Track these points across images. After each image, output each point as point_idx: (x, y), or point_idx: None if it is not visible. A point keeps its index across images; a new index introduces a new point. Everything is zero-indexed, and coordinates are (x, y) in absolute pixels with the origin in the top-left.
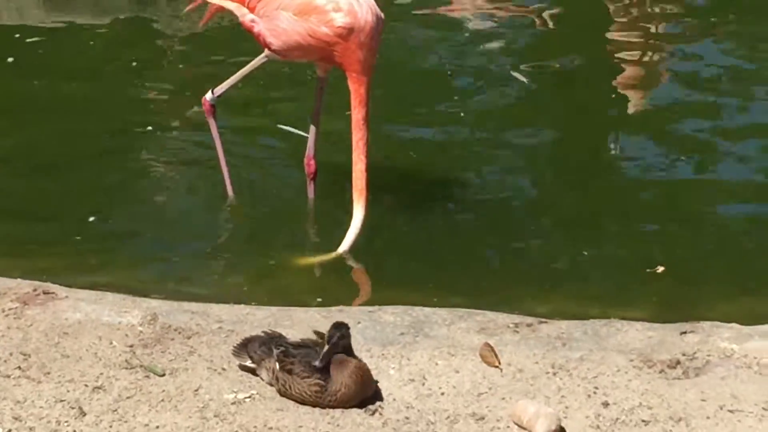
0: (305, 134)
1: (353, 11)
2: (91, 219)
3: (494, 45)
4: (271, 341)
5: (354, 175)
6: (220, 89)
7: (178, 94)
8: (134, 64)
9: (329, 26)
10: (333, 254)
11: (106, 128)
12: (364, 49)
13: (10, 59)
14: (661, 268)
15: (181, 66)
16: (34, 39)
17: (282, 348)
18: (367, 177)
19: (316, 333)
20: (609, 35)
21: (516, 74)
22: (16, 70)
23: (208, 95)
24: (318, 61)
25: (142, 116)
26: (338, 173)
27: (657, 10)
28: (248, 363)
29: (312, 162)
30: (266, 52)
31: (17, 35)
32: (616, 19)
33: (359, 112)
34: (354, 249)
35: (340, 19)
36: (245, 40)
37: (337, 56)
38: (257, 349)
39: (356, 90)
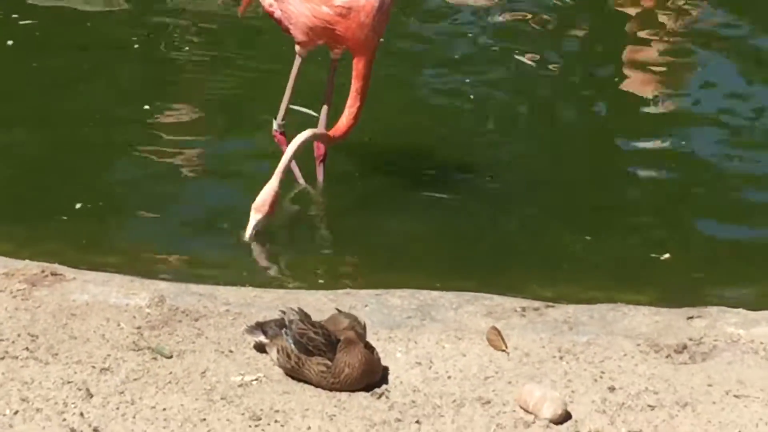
0: (316, 114)
1: None
2: (100, 203)
3: (502, 32)
4: (287, 320)
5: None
6: (280, 115)
7: (179, 75)
8: (136, 46)
9: (329, 5)
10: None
11: (110, 111)
12: (365, 28)
13: (9, 42)
14: (666, 255)
15: (186, 48)
16: (28, 21)
17: (301, 325)
18: (341, 132)
19: (338, 311)
20: (625, 31)
21: (521, 58)
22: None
23: (275, 125)
24: (328, 43)
25: (144, 96)
26: (348, 156)
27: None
28: (262, 338)
29: (321, 144)
30: (297, 50)
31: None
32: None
33: (354, 85)
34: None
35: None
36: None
37: (339, 36)
38: (273, 326)
39: (356, 65)
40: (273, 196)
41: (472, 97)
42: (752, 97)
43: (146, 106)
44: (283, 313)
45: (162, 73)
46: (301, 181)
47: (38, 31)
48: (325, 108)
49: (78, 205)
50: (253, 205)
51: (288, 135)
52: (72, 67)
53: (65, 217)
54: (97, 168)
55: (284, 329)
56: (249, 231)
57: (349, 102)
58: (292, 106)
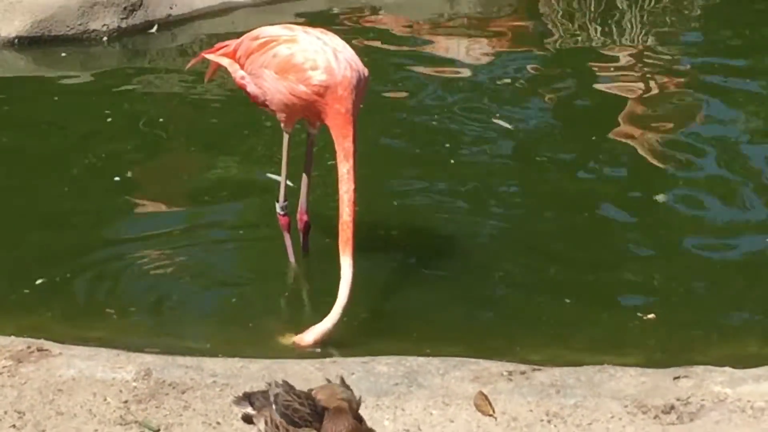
0: (292, 185)
1: (330, 68)
2: (85, 275)
3: (481, 91)
4: (272, 394)
5: (340, 228)
6: (281, 196)
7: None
8: (109, 120)
9: (307, 84)
10: (331, 318)
11: (87, 182)
12: (344, 105)
13: None
14: (651, 315)
15: (160, 120)
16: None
17: (286, 397)
18: (353, 229)
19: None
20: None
21: (499, 121)
22: None
23: (278, 208)
24: (305, 119)
25: (122, 168)
26: (330, 227)
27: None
28: (249, 410)
29: (305, 217)
30: (282, 127)
31: None
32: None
33: (344, 166)
34: (349, 303)
35: (317, 77)
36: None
37: (318, 114)
38: (260, 397)
39: (340, 144)
40: (325, 335)
41: (452, 161)
42: (743, 157)
43: (116, 178)
44: (269, 385)
45: (137, 144)
46: (292, 259)
47: (7, 105)
48: (304, 179)
49: (57, 278)
50: (307, 337)
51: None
52: (43, 142)
53: (49, 292)
54: (77, 242)
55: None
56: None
57: (344, 187)
58: (269, 175)
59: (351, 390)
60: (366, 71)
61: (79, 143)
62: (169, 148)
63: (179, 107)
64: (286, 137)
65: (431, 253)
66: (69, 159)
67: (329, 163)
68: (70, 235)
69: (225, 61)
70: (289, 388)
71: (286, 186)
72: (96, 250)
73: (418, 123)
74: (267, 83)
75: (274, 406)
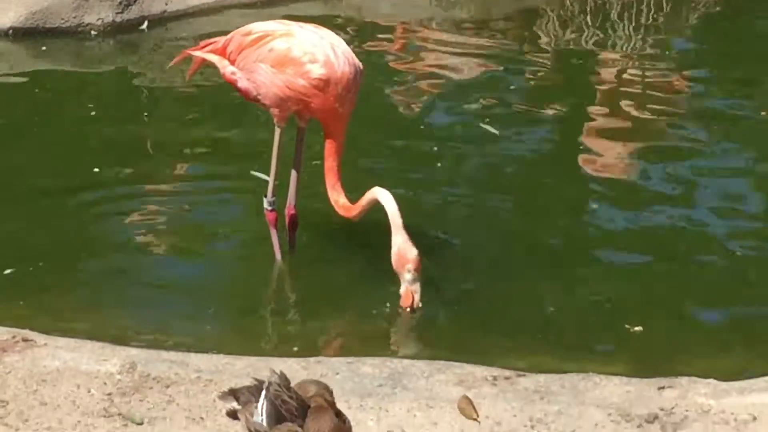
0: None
1: (330, 62)
2: (74, 265)
3: (469, 97)
4: (260, 387)
5: (328, 182)
6: (270, 192)
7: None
8: (93, 113)
9: (306, 78)
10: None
11: (76, 172)
12: (341, 100)
13: None
14: (638, 328)
15: (145, 114)
16: None
17: (278, 389)
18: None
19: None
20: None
21: (486, 126)
22: None
23: (265, 203)
24: (297, 113)
25: (103, 161)
26: (318, 224)
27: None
28: (234, 405)
29: (292, 212)
30: (275, 122)
31: None
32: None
33: (334, 161)
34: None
35: (316, 71)
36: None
37: (314, 107)
38: (245, 392)
39: (331, 140)
40: (405, 249)
41: (439, 165)
42: (731, 166)
43: (96, 169)
44: (259, 381)
45: (120, 138)
46: (279, 256)
47: None
48: (293, 174)
49: (48, 270)
50: (396, 265)
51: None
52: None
53: (36, 283)
54: (63, 233)
55: (255, 406)
56: (416, 295)
57: (330, 182)
58: (253, 173)
59: (322, 383)
60: (361, 65)
61: (60, 136)
62: (153, 142)
63: (165, 102)
64: (278, 131)
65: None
66: (50, 150)
67: (314, 162)
68: (47, 226)
69: (213, 58)
70: (284, 380)
71: (275, 181)
72: (76, 241)
73: (406, 123)
74: (262, 78)
75: (256, 410)
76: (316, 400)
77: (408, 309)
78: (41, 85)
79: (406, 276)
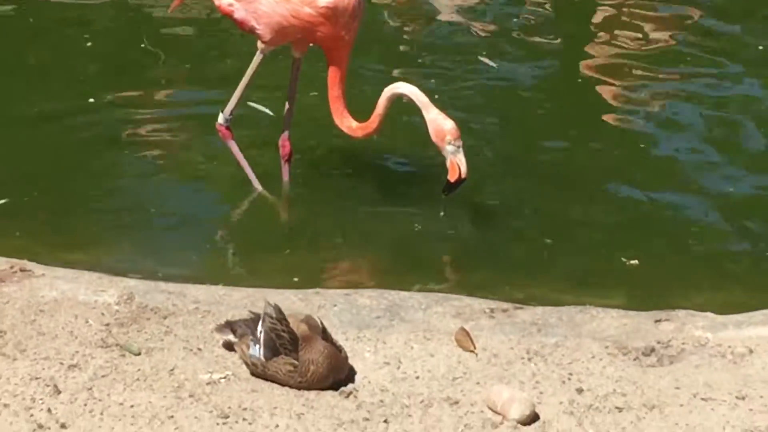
0: (272, 113)
1: None
2: (69, 200)
3: (467, 33)
4: (256, 320)
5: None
6: (229, 109)
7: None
8: (89, 44)
9: (313, 6)
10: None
11: (71, 99)
12: (346, 28)
13: None
14: (635, 262)
15: (141, 45)
16: None
17: (273, 321)
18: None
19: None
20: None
21: (485, 59)
22: None
23: (220, 118)
24: (296, 41)
25: (99, 90)
26: (317, 157)
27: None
28: (231, 337)
29: (287, 143)
30: (259, 47)
31: None
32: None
33: (339, 89)
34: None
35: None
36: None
37: (319, 36)
38: (242, 324)
39: (335, 67)
40: (440, 122)
41: (437, 96)
42: (728, 108)
43: (91, 99)
44: (255, 314)
45: (117, 68)
46: (257, 185)
47: None
48: (288, 106)
49: (47, 202)
50: (435, 140)
51: (234, 130)
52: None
53: (34, 214)
54: (63, 165)
55: (251, 338)
56: (462, 166)
57: (338, 110)
58: (250, 103)
59: (306, 314)
60: None
61: (56, 64)
62: (150, 71)
63: (164, 33)
64: (259, 57)
65: (417, 192)
66: (45, 78)
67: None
68: (41, 153)
69: None
70: (280, 314)
71: (239, 100)
72: (71, 171)
73: (404, 59)
74: (264, 7)
75: (252, 342)
76: (301, 329)
77: (456, 181)
78: (37, 15)
79: (448, 148)
